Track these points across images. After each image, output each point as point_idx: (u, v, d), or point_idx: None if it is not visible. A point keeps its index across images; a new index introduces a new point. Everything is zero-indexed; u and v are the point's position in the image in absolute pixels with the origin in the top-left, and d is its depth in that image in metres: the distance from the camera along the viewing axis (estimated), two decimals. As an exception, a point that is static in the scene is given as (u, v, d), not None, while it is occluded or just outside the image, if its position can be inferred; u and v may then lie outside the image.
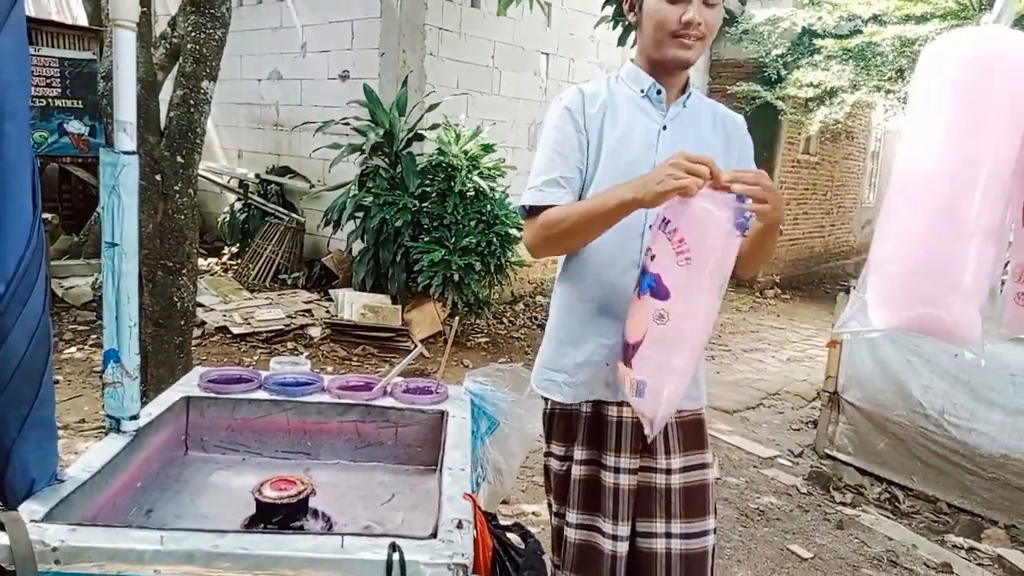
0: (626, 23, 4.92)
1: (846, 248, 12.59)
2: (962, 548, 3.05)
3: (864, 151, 12.60)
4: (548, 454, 1.69)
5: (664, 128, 1.53)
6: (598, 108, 1.53)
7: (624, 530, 1.56)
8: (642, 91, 1.54)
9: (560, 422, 1.66)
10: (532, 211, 1.52)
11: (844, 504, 3.42)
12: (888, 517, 3.31)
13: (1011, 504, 3.13)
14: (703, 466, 1.63)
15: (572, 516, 1.61)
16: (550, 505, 1.71)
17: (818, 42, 8.42)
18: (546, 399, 1.67)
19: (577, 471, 1.62)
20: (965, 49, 0.95)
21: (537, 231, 1.50)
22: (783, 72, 8.90)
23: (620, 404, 1.58)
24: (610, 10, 4.95)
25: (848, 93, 8.02)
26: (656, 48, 1.47)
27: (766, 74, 9.08)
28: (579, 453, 1.62)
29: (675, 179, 1.21)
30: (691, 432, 1.64)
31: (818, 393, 4.63)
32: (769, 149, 9.46)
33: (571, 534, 1.61)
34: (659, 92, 1.52)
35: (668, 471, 1.59)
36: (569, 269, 1.62)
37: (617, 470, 1.58)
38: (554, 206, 1.48)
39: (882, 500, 3.46)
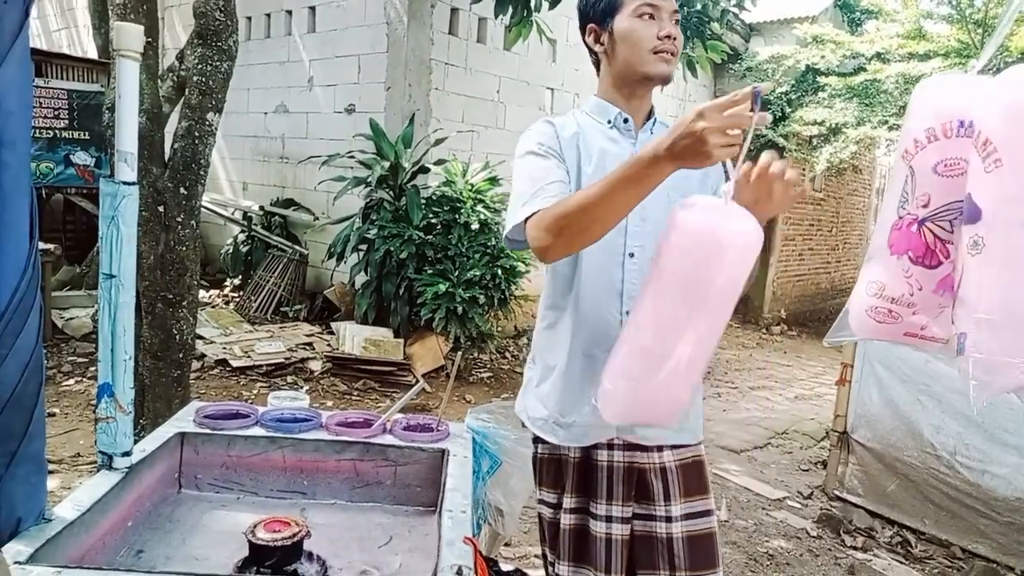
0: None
1: (852, 284, 12.38)
2: (977, 595, 2.96)
3: (869, 187, 12.65)
4: (540, 501, 1.61)
5: None
6: (571, 136, 1.50)
7: None
8: (609, 122, 1.52)
9: (550, 467, 1.59)
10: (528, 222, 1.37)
11: (855, 548, 3.33)
12: (900, 562, 3.22)
13: (1027, 549, 3.05)
14: (707, 513, 1.55)
15: (563, 569, 1.54)
16: (545, 556, 1.63)
17: (822, 79, 8.49)
18: (535, 442, 1.60)
19: (566, 520, 1.54)
20: None
21: (541, 231, 1.31)
22: (787, 110, 8.97)
23: (611, 447, 1.52)
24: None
25: (852, 129, 8.07)
26: (638, 67, 1.45)
27: (770, 111, 9.14)
28: (568, 501, 1.55)
29: (722, 145, 1.06)
30: (692, 475, 1.56)
31: (827, 432, 4.55)
32: (773, 185, 9.48)
33: None
34: (626, 121, 1.52)
35: (668, 518, 1.51)
36: (551, 299, 1.57)
37: (609, 519, 1.50)
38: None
39: (894, 544, 3.37)
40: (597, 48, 1.53)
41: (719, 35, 5.59)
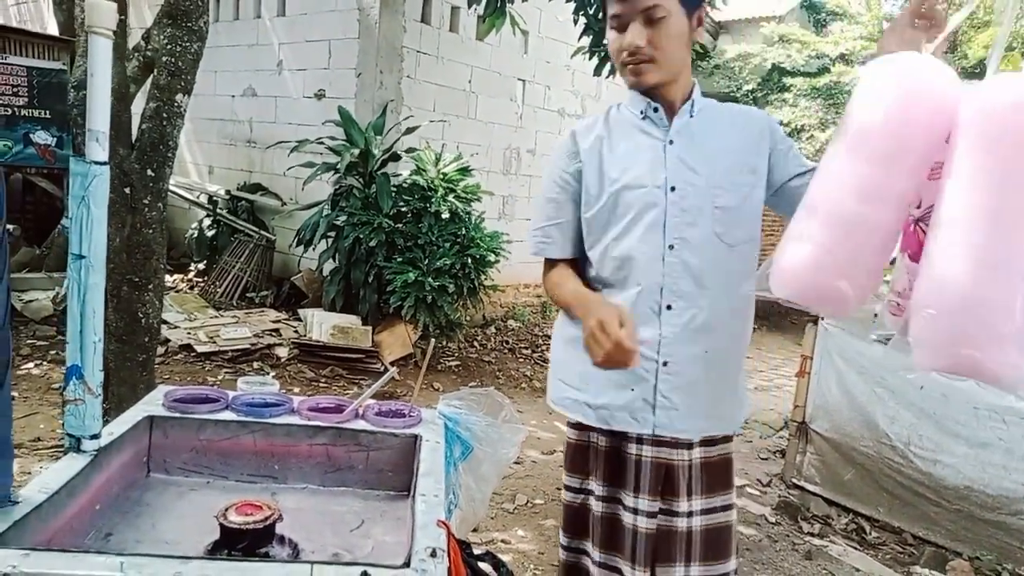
0: (602, 54, 4.99)
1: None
2: (927, 580, 3.07)
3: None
4: (566, 487, 1.68)
5: (671, 142, 1.51)
6: (593, 140, 1.55)
7: (643, 573, 1.53)
8: (641, 112, 1.54)
9: (577, 455, 1.64)
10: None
11: (812, 535, 3.43)
12: (855, 548, 3.32)
13: (974, 536, 3.16)
14: (727, 507, 1.60)
15: (595, 554, 1.59)
16: (562, 542, 1.69)
17: (787, 80, 8.63)
18: (570, 426, 1.66)
19: (597, 507, 1.59)
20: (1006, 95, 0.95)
21: (545, 284, 1.66)
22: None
23: (640, 440, 1.54)
24: (587, 41, 5.01)
25: (818, 131, 8.21)
26: (621, 75, 1.52)
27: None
28: (598, 488, 1.59)
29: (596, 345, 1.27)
30: (718, 472, 1.60)
31: (786, 423, 4.65)
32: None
33: (596, 572, 1.59)
34: (656, 110, 1.52)
35: (689, 513, 1.54)
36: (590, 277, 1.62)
37: (636, 511, 1.53)
38: (557, 261, 1.63)
39: (849, 531, 3.47)
40: None
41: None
